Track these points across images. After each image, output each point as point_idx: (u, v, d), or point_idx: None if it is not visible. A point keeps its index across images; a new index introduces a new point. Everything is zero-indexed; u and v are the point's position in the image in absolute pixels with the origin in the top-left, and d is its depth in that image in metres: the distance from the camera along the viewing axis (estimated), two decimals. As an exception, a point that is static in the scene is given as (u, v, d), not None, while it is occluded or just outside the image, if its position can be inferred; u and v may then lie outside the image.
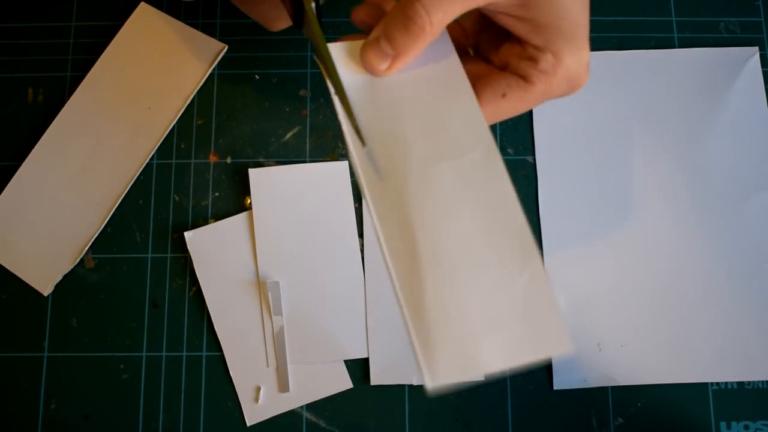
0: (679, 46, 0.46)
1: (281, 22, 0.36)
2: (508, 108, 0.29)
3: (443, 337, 0.25)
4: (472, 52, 0.32)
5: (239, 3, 0.35)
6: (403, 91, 0.28)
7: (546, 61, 0.28)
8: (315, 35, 0.29)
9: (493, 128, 0.45)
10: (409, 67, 0.28)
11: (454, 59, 0.29)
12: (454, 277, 0.25)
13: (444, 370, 0.25)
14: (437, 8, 0.26)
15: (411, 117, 0.28)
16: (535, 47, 0.28)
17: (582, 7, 0.27)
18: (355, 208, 0.43)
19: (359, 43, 0.29)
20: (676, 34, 0.46)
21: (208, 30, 0.46)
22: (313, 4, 0.29)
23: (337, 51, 0.29)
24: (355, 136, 0.27)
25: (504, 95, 0.28)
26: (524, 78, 0.28)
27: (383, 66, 0.28)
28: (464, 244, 0.26)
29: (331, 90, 0.28)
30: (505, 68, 0.29)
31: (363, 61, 0.28)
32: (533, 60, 0.28)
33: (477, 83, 0.29)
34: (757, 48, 0.46)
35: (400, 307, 0.25)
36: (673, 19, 0.46)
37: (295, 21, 0.32)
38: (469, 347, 0.25)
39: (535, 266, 0.25)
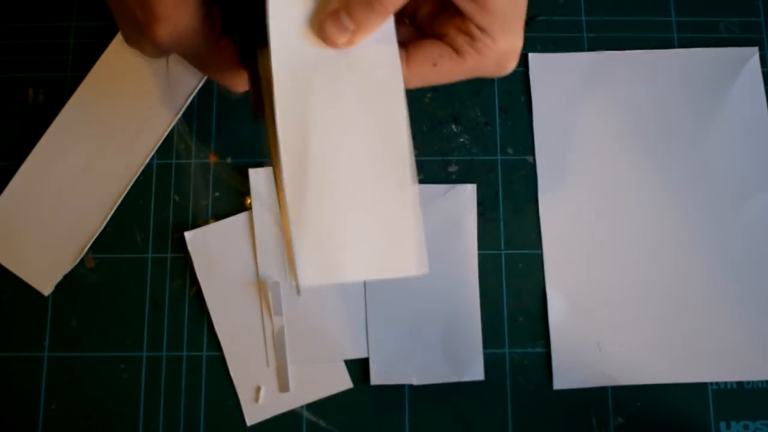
0: (679, 46, 0.46)
1: (245, 85, 0.35)
2: (437, 76, 0.30)
3: (316, 242, 0.27)
4: (407, 22, 0.33)
5: (200, 70, 0.35)
6: (344, 60, 0.29)
7: (483, 41, 0.29)
8: (271, 137, 0.29)
9: (492, 129, 0.45)
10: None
11: (393, 38, 0.29)
12: (335, 187, 0.28)
13: (312, 273, 0.27)
14: None
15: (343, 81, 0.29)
16: (477, 26, 0.29)
17: None
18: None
19: None
20: (675, 34, 0.46)
21: (208, 30, 0.46)
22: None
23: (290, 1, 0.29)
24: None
25: (435, 64, 0.30)
26: (457, 51, 0.29)
27: (343, 39, 0.28)
28: (351, 158, 0.28)
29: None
30: (439, 38, 0.30)
31: (322, 33, 0.28)
32: (471, 37, 0.29)
33: (410, 46, 0.30)
34: (756, 48, 0.46)
35: (285, 204, 0.27)
36: (673, 19, 0.46)
37: (254, 109, 0.32)
38: (336, 255, 0.27)
39: (405, 192, 0.28)
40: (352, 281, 0.28)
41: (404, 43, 0.30)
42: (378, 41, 0.29)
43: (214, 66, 0.34)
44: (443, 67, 0.30)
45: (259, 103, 0.31)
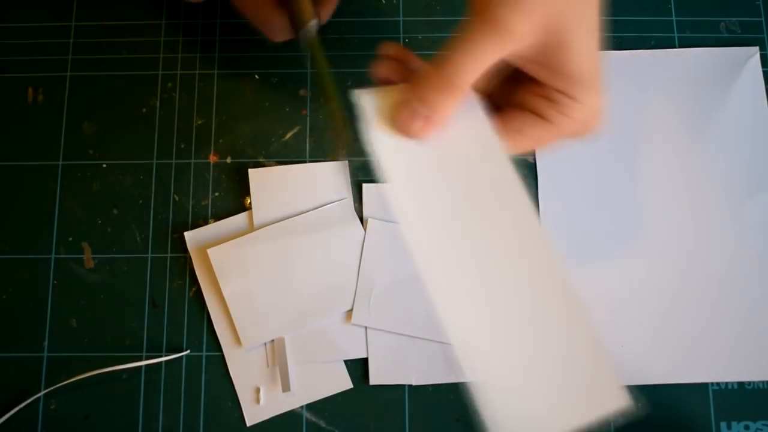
0: (680, 46, 0.46)
1: (283, 33, 0.36)
2: (524, 144, 0.29)
3: (509, 410, 0.25)
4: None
5: (242, 8, 0.35)
6: (438, 153, 0.28)
7: (565, 103, 0.28)
8: (315, 57, 0.29)
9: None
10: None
11: (482, 115, 0.28)
12: (513, 349, 0.25)
13: None
14: (468, 65, 0.26)
15: (451, 185, 0.27)
16: (556, 90, 0.28)
17: (597, 53, 0.28)
18: (355, 208, 0.43)
19: (386, 90, 0.28)
20: (676, 34, 0.46)
21: (208, 30, 0.46)
22: (314, 21, 0.29)
23: (366, 101, 0.28)
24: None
25: (520, 131, 0.29)
26: (542, 116, 0.29)
27: (417, 125, 0.27)
28: (519, 314, 0.26)
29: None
30: (519, 107, 0.29)
31: (396, 124, 0.27)
32: (553, 101, 0.28)
33: (495, 120, 0.29)
34: (757, 48, 0.46)
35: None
36: (674, 18, 0.46)
37: (296, 33, 0.32)
38: (533, 418, 0.25)
39: (585, 326, 0.26)
40: None
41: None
42: (470, 126, 0.28)
43: (255, 5, 0.34)
44: (530, 133, 0.29)
45: (299, 23, 0.31)
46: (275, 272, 0.41)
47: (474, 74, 0.27)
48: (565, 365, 0.25)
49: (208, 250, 0.41)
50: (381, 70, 0.30)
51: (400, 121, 0.27)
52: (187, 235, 0.42)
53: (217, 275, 0.41)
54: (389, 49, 0.30)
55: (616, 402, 0.25)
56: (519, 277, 0.26)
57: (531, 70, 0.28)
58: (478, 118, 0.28)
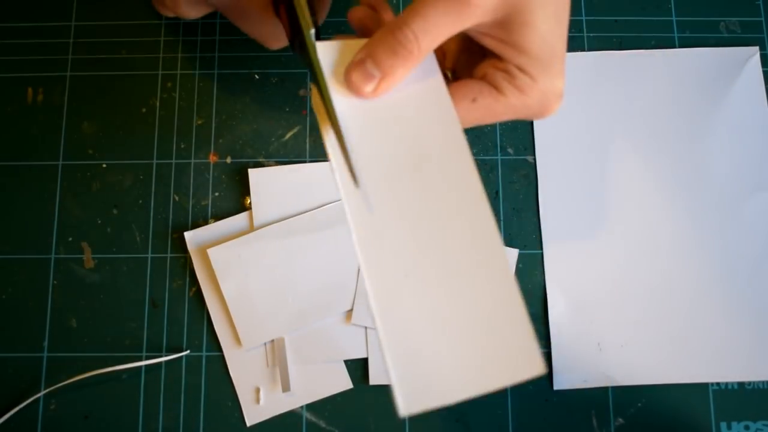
0: (680, 46, 0.46)
1: (279, 41, 0.36)
2: (477, 114, 0.29)
3: (416, 365, 0.25)
4: (450, 75, 0.32)
5: (236, 21, 0.35)
6: (389, 113, 0.28)
7: (522, 79, 0.28)
8: (314, 65, 0.28)
9: (492, 128, 0.45)
10: (396, 90, 0.28)
11: (439, 80, 0.29)
12: (430, 303, 0.25)
13: (416, 399, 0.25)
14: (426, 33, 0.26)
15: (398, 142, 0.28)
16: (515, 66, 0.28)
17: (560, 37, 0.28)
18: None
19: (349, 43, 0.29)
20: (676, 34, 0.46)
21: (208, 30, 0.46)
22: (312, 31, 0.29)
23: (325, 52, 0.29)
24: (347, 175, 0.26)
25: (474, 100, 0.29)
26: (497, 88, 0.29)
27: (369, 88, 0.27)
28: (444, 271, 0.26)
29: (325, 132, 0.27)
30: (477, 78, 0.30)
31: (348, 82, 0.28)
32: (510, 75, 0.28)
33: (450, 86, 0.29)
34: (757, 48, 0.46)
35: (377, 330, 0.25)
36: (674, 18, 0.46)
37: (292, 44, 0.32)
38: (442, 375, 0.25)
39: (506, 280, 0.25)
40: (462, 399, 0.25)
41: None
42: (424, 86, 0.28)
43: (252, 18, 0.34)
44: (483, 103, 0.29)
45: (295, 35, 0.30)
46: (275, 272, 0.41)
47: (432, 43, 0.27)
48: (484, 327, 0.25)
49: (208, 250, 0.41)
50: (356, 13, 0.31)
51: (352, 79, 0.28)
52: (187, 235, 0.42)
53: (217, 275, 0.41)
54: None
55: (531, 369, 0.25)
56: (451, 238, 0.26)
57: (492, 44, 0.28)
58: (434, 81, 0.29)
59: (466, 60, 0.31)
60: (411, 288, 0.26)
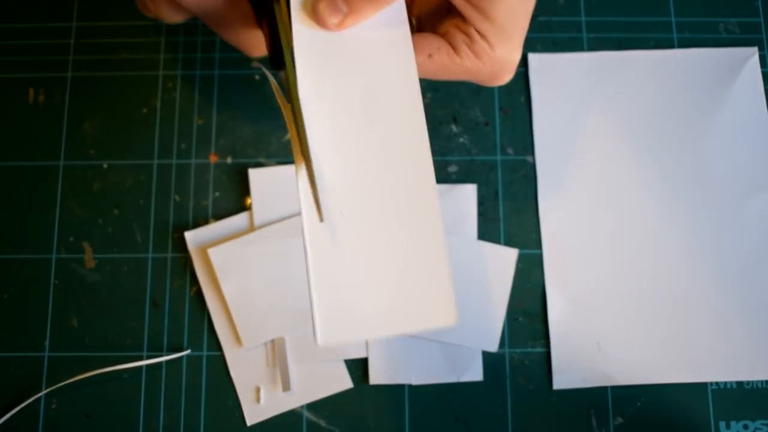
0: (679, 47, 0.46)
1: (260, 50, 0.36)
2: (430, 69, 0.30)
3: (339, 300, 0.26)
4: (415, 22, 0.33)
5: (216, 28, 0.35)
6: (350, 51, 0.29)
7: (481, 44, 0.29)
8: (291, 90, 0.29)
9: (492, 129, 0.45)
10: (361, 28, 0.29)
11: (405, 29, 0.29)
12: (360, 242, 0.26)
13: (334, 331, 0.26)
14: None
15: (351, 82, 0.28)
16: (476, 30, 0.29)
17: (525, 13, 0.29)
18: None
19: None
20: (675, 35, 0.46)
21: (208, 30, 0.46)
22: (295, 51, 0.29)
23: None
24: (313, 209, 0.26)
25: (430, 56, 0.29)
26: (455, 48, 0.29)
27: (334, 20, 0.28)
28: (378, 213, 0.27)
29: (299, 166, 0.27)
30: (437, 34, 0.30)
31: (314, 12, 0.28)
32: (470, 38, 0.29)
33: (412, 36, 0.30)
34: (756, 48, 0.46)
35: (306, 260, 0.26)
36: (673, 19, 0.47)
37: (271, 60, 0.31)
38: (362, 312, 0.26)
39: (436, 235, 0.27)
40: (377, 337, 0.27)
41: None
42: (389, 32, 0.28)
43: (233, 27, 0.34)
44: (438, 60, 0.30)
45: (276, 52, 0.31)
46: (275, 272, 0.41)
47: None
48: (407, 272, 0.26)
49: (209, 250, 0.41)
50: None
51: (319, 10, 0.28)
52: (188, 235, 0.42)
53: (217, 275, 0.41)
54: None
55: (445, 319, 0.26)
56: (389, 182, 0.27)
57: (458, 3, 0.29)
58: (400, 29, 0.29)
59: (432, 13, 0.32)
60: (344, 225, 0.26)
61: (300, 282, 0.41)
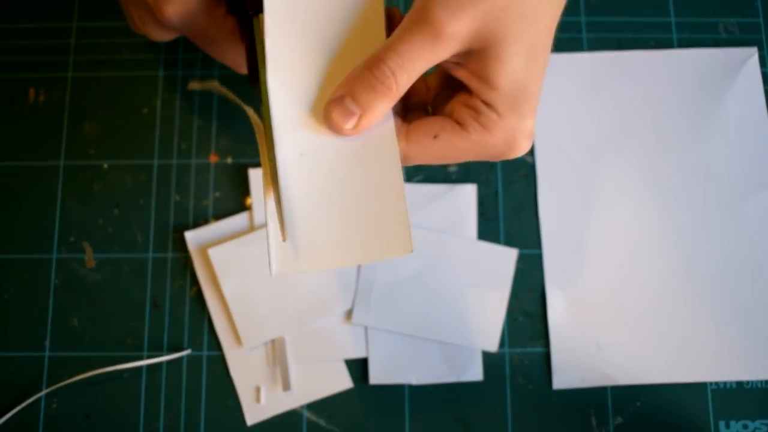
0: (679, 47, 0.46)
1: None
2: (438, 151, 0.29)
3: (296, 232, 0.27)
4: (430, 110, 0.32)
5: (203, 46, 0.35)
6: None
7: (488, 115, 0.27)
8: (264, 103, 0.29)
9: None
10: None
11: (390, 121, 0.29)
12: (320, 177, 0.28)
13: (289, 263, 0.27)
14: (402, 70, 0.26)
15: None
16: (482, 101, 0.28)
17: (534, 76, 0.27)
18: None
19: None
20: (675, 35, 0.46)
21: (209, 31, 0.46)
22: (270, 76, 0.29)
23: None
24: (277, 228, 0.27)
25: (436, 136, 0.28)
26: (461, 124, 0.28)
27: (349, 125, 0.27)
28: (338, 151, 0.28)
29: (267, 193, 0.28)
30: (442, 114, 0.29)
31: (327, 120, 0.28)
32: (476, 111, 0.28)
33: (413, 123, 0.29)
34: (755, 48, 0.46)
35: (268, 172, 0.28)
36: (672, 19, 0.47)
37: (249, 78, 0.32)
38: (318, 245, 0.27)
39: (393, 172, 0.28)
40: (334, 268, 0.27)
41: (408, 121, 0.30)
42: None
43: (219, 44, 0.34)
44: (444, 140, 0.28)
45: (254, 69, 0.31)
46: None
47: (408, 79, 0.27)
48: (365, 206, 0.28)
49: (209, 250, 0.41)
50: None
51: (332, 117, 0.28)
52: (188, 234, 0.42)
53: (217, 275, 0.41)
54: None
55: (401, 248, 0.27)
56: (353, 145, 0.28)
57: (463, 76, 0.28)
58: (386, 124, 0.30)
59: (446, 96, 0.30)
60: (306, 162, 0.28)
61: (299, 281, 0.41)
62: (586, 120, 0.45)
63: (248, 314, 0.41)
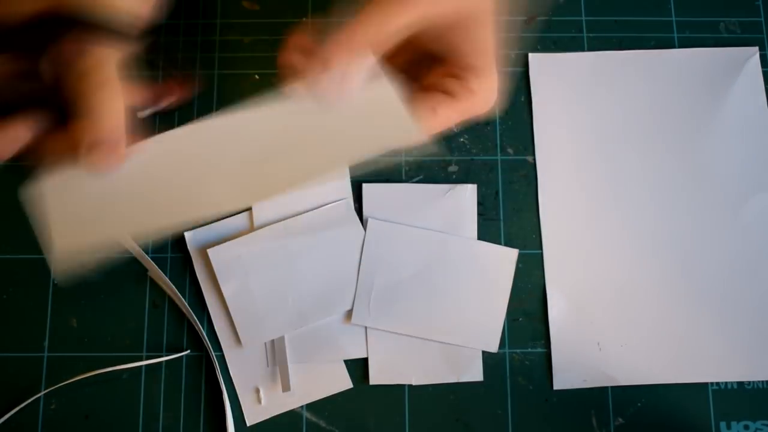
0: (679, 46, 0.46)
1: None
2: (440, 122, 0.31)
3: None
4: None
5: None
6: None
7: (470, 78, 0.31)
8: None
9: (492, 129, 0.45)
10: None
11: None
12: None
13: None
14: (373, 24, 0.28)
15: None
16: (463, 69, 0.30)
17: (494, 39, 0.30)
18: (355, 208, 0.43)
19: None
20: (676, 34, 0.46)
21: (208, 30, 0.46)
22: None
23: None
24: None
25: (434, 110, 0.31)
26: (450, 93, 0.31)
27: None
28: None
29: None
30: (430, 88, 0.32)
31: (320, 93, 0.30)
32: (459, 78, 0.31)
33: (412, 101, 0.31)
34: (757, 48, 0.46)
35: None
36: (673, 19, 0.46)
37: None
38: None
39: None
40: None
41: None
42: None
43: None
44: (442, 112, 0.31)
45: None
46: (275, 272, 0.41)
47: (378, 34, 0.28)
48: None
49: (208, 250, 0.41)
50: (287, 58, 0.32)
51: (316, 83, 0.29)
52: (187, 235, 0.42)
53: (217, 275, 0.41)
54: (296, 40, 0.32)
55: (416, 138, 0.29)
56: None
57: (440, 45, 0.30)
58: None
59: (413, 68, 0.33)
60: None
61: (299, 281, 0.41)
62: (586, 120, 0.45)
63: (248, 315, 0.41)
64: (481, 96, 0.32)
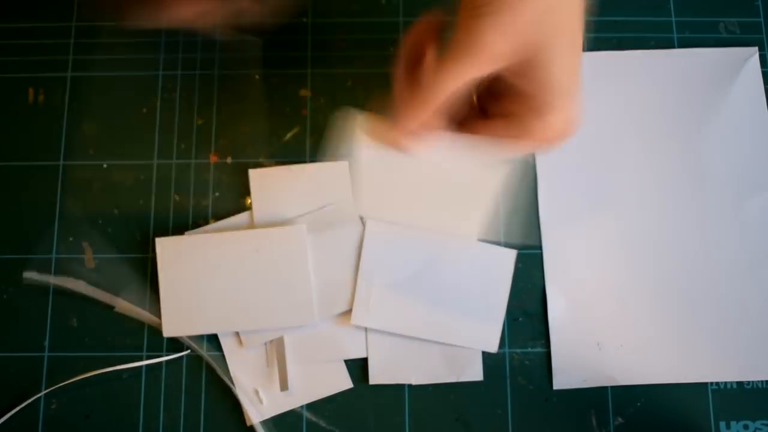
0: (679, 46, 0.46)
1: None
2: (505, 149, 0.32)
3: None
4: (475, 99, 0.34)
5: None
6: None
7: (544, 110, 0.30)
8: None
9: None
10: None
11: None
12: None
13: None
14: (445, 85, 0.29)
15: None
16: (540, 102, 0.30)
17: (576, 65, 0.30)
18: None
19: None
20: (675, 35, 0.46)
21: (208, 29, 0.46)
22: None
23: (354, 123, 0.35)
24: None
25: (498, 136, 0.31)
26: (522, 123, 0.31)
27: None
28: None
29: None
30: (506, 117, 0.32)
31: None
32: (532, 108, 0.30)
33: (480, 127, 0.32)
34: (756, 48, 0.46)
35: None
36: (673, 19, 0.47)
37: None
38: None
39: None
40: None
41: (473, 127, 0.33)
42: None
43: None
44: (517, 144, 0.31)
45: None
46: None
47: (448, 92, 0.29)
48: None
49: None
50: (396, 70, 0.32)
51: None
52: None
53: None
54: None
55: None
56: None
57: (513, 81, 0.30)
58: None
59: (485, 93, 0.33)
60: None
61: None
62: (586, 120, 0.44)
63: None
64: (556, 127, 0.31)
